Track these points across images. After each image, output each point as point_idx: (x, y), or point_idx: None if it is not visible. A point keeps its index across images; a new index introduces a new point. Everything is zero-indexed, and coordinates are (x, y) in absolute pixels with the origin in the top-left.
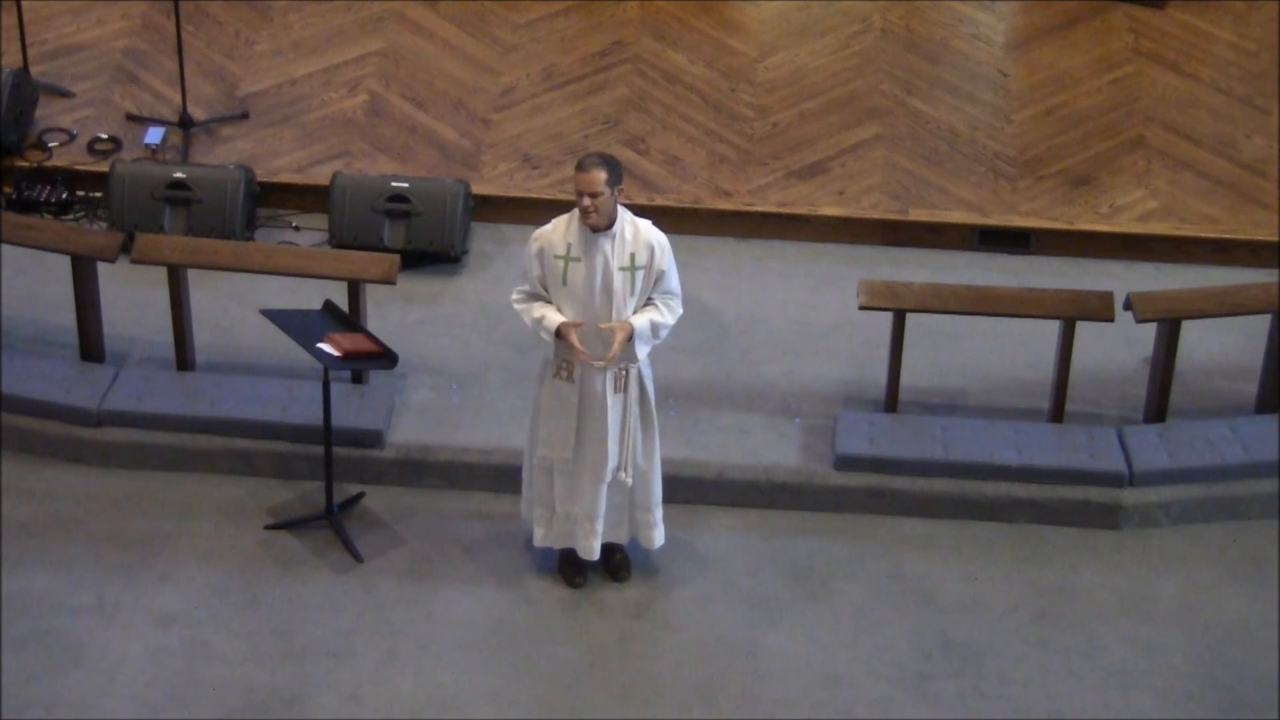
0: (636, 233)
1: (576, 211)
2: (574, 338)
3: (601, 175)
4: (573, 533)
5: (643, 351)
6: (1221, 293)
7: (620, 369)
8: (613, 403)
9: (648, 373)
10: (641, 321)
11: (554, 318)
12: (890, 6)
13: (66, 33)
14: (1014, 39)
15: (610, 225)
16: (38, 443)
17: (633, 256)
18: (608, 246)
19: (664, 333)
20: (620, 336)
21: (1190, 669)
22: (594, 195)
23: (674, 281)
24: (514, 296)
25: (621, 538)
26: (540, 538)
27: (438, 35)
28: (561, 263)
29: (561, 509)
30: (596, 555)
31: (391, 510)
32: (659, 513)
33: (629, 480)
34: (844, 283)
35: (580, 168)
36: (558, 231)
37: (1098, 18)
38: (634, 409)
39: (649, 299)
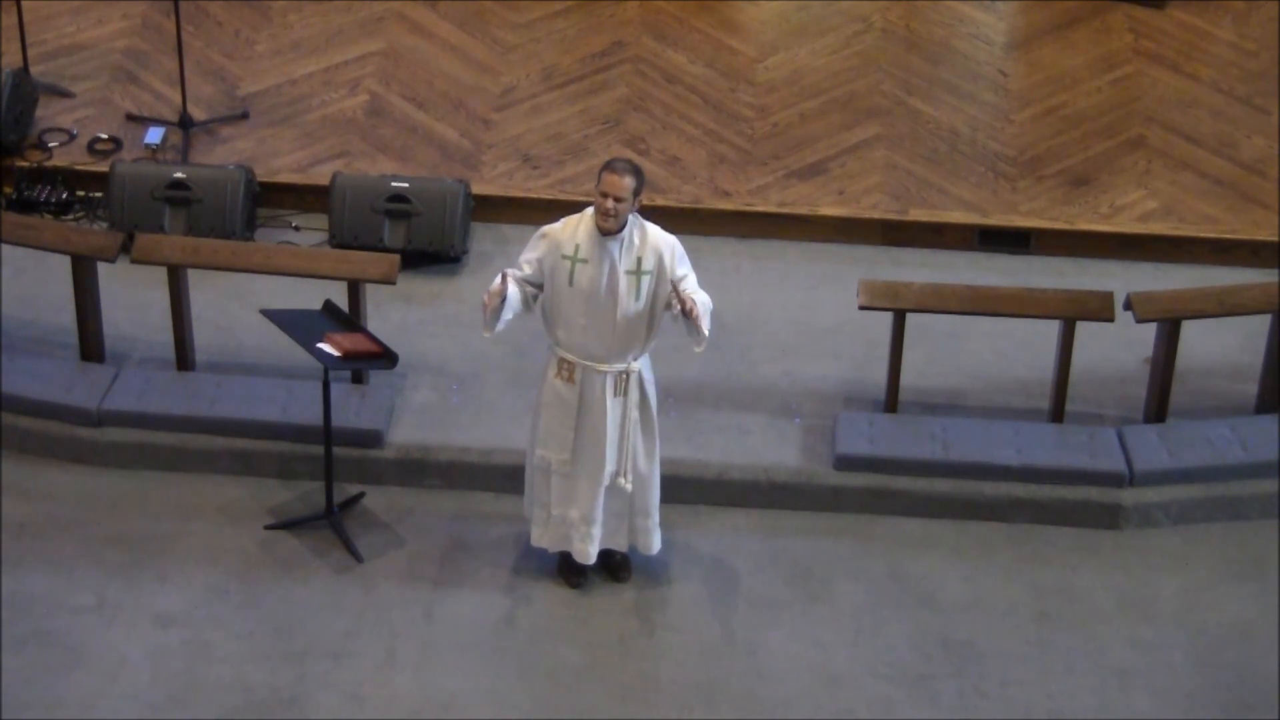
0: (645, 238)
1: (587, 213)
2: (498, 287)
3: (630, 183)
4: (568, 536)
5: (706, 324)
6: (1221, 293)
7: (620, 373)
8: (612, 406)
9: (649, 377)
10: (703, 296)
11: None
12: (890, 6)
13: (66, 33)
14: (1014, 39)
15: (620, 229)
16: (38, 443)
17: (639, 261)
18: (615, 250)
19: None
20: (691, 303)
21: (1190, 669)
22: (618, 200)
23: (691, 272)
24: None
25: (620, 544)
26: (536, 538)
27: (438, 35)
28: (569, 263)
29: (558, 511)
30: (592, 560)
31: (391, 510)
32: (657, 517)
33: (628, 486)
34: (844, 283)
35: (610, 169)
36: (567, 231)
37: (1098, 18)
38: (634, 414)
39: (675, 290)
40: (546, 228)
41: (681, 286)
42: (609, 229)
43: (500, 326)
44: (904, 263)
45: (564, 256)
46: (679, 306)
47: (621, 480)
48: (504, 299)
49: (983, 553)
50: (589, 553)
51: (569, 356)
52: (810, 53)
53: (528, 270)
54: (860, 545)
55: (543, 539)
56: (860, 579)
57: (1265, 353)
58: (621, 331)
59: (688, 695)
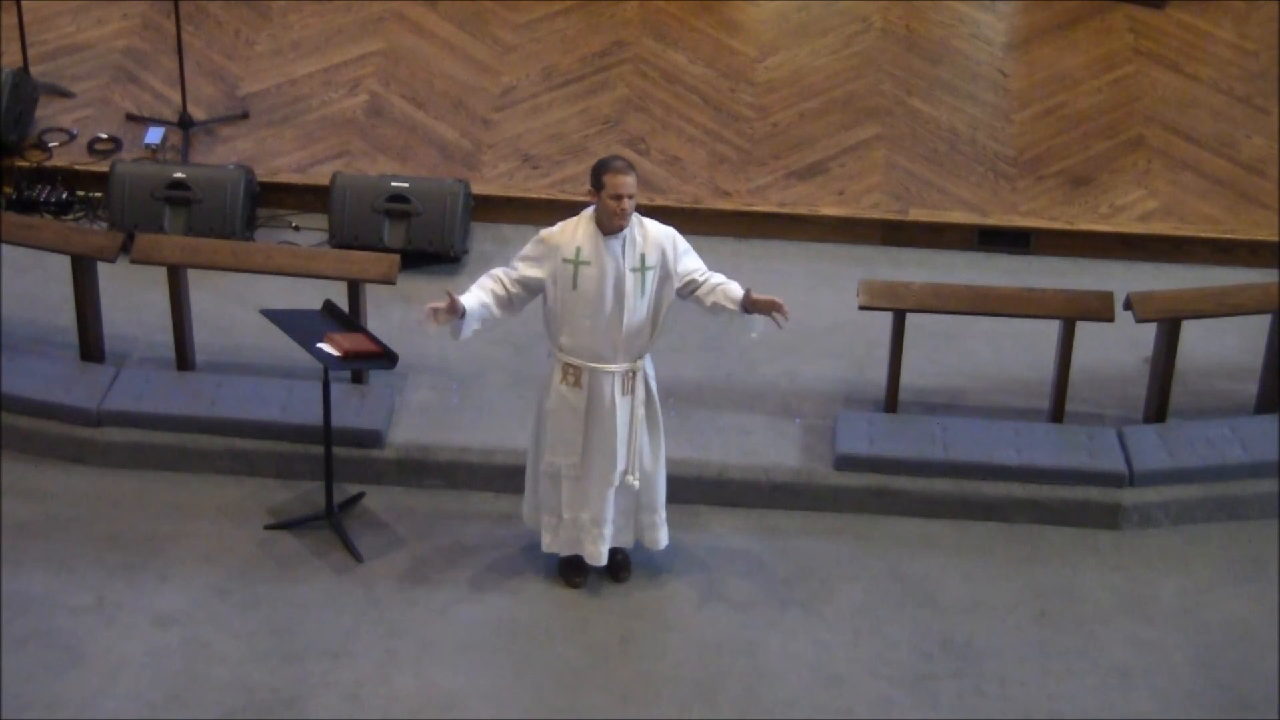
0: (645, 234)
1: (585, 215)
2: (448, 304)
3: (634, 178)
4: (580, 539)
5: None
6: (1221, 293)
7: (628, 371)
8: (621, 405)
9: (652, 373)
10: (734, 285)
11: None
12: (890, 6)
13: (66, 33)
14: (1014, 39)
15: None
16: (38, 443)
17: (643, 257)
18: (618, 249)
19: None
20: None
21: (1190, 669)
22: (630, 197)
23: (697, 260)
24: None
25: (626, 542)
26: (548, 544)
27: (438, 35)
28: (571, 266)
29: (569, 515)
30: (603, 561)
31: (391, 510)
32: (664, 513)
33: (636, 483)
34: (844, 283)
35: (614, 170)
36: (566, 234)
37: (1098, 18)
38: (640, 411)
39: (693, 282)
40: (544, 232)
41: (721, 287)
42: (623, 226)
43: (466, 335)
44: (904, 263)
45: (565, 260)
46: (743, 306)
47: (630, 478)
48: (463, 315)
49: (983, 553)
50: (600, 553)
51: (575, 361)
52: (810, 53)
53: (522, 270)
54: (860, 545)
55: (554, 544)
56: (860, 579)
57: (1265, 353)
58: (629, 330)
59: (688, 695)
